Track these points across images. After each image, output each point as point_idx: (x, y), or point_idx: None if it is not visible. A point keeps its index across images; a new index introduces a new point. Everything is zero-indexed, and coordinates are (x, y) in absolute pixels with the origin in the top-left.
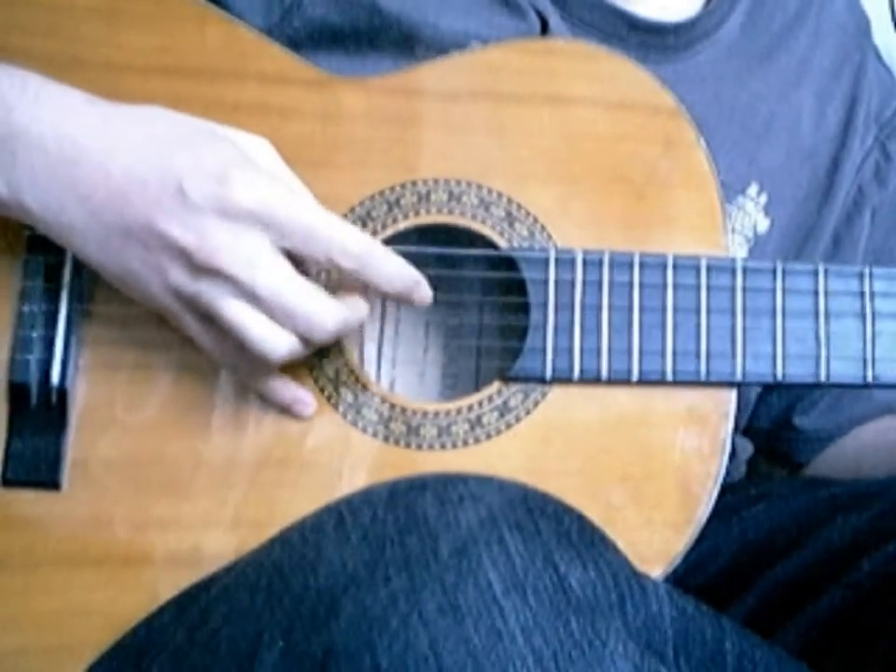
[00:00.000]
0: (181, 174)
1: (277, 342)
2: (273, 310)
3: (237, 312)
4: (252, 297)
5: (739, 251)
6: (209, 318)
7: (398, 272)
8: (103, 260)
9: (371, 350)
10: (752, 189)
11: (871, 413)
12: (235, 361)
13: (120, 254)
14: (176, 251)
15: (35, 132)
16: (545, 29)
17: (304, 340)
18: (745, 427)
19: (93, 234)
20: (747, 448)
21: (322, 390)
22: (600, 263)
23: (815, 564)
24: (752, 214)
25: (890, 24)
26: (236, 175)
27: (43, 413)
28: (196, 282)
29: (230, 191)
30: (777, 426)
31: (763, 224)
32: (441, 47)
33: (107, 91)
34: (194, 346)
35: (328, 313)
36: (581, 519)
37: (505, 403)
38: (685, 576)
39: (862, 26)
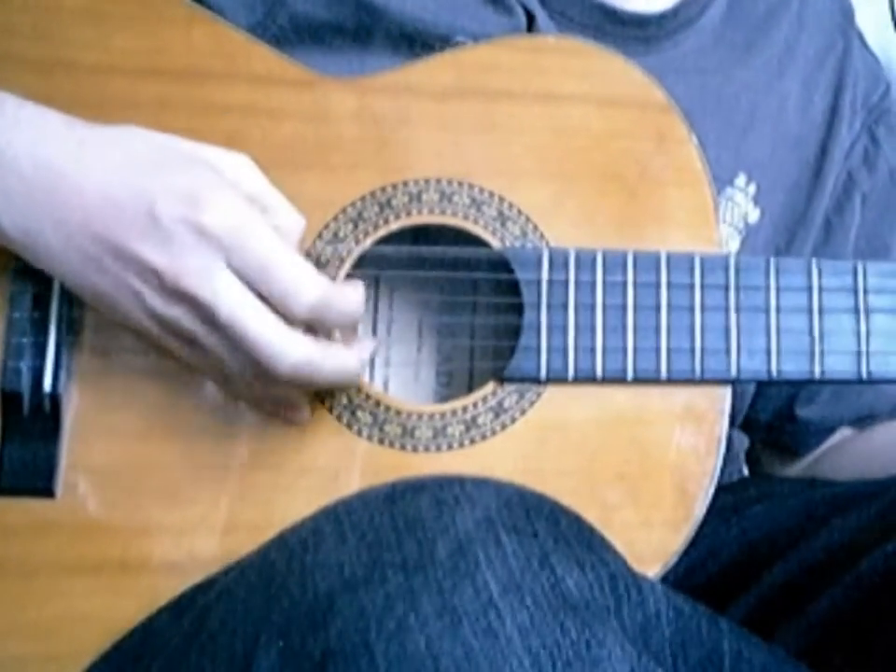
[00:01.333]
0: (153, 195)
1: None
2: (231, 338)
3: (209, 337)
4: (212, 322)
5: (731, 242)
6: (187, 339)
7: (352, 315)
8: (82, 284)
9: (366, 350)
10: (741, 180)
11: (876, 402)
12: (221, 377)
13: (98, 278)
14: (149, 273)
15: (10, 155)
16: (531, 24)
17: (263, 374)
18: (746, 421)
19: (71, 258)
20: (743, 441)
21: (316, 393)
22: (593, 262)
23: (814, 564)
24: (742, 204)
25: (890, 24)
26: (207, 198)
27: (36, 421)
28: (170, 305)
29: (199, 215)
30: (779, 417)
31: (754, 214)
32: (426, 42)
33: (95, 93)
34: None
35: (290, 346)
36: (578, 520)
37: (500, 404)
38: (685, 576)
39: (846, 12)
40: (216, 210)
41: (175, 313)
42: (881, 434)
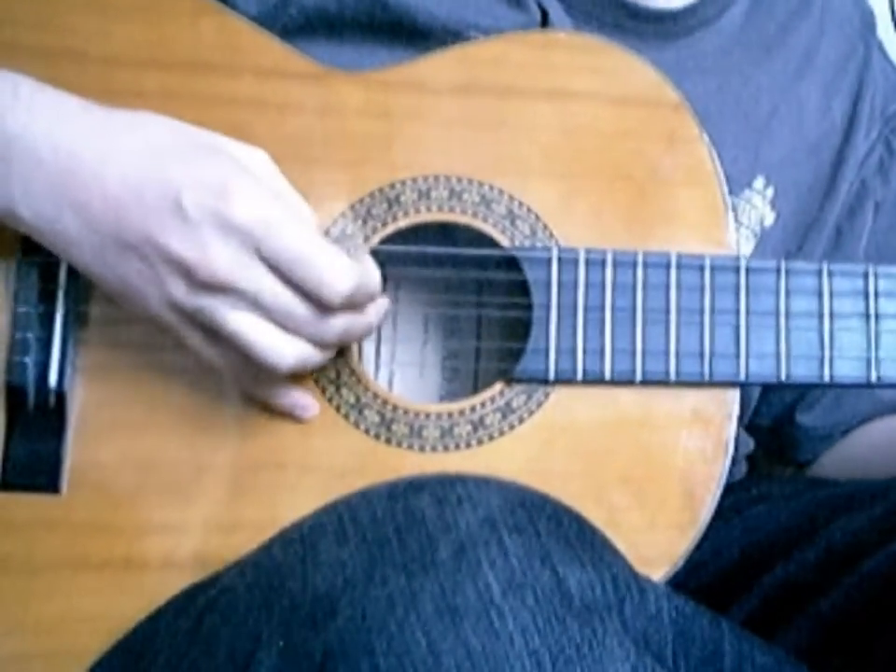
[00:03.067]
0: (179, 186)
1: (284, 350)
2: (280, 315)
3: (241, 324)
4: (257, 306)
5: (746, 245)
6: (211, 331)
7: (375, 294)
8: (99, 272)
9: (369, 350)
10: (759, 183)
11: (875, 410)
12: (238, 371)
13: (117, 265)
14: (175, 265)
15: (29, 140)
16: (545, 20)
17: (313, 345)
18: (747, 425)
19: (89, 245)
20: (748, 443)
21: (323, 391)
22: (603, 263)
23: (816, 564)
24: (759, 207)
25: (890, 24)
26: (235, 189)
27: (41, 417)
28: (197, 296)
29: (229, 206)
30: (779, 423)
31: (770, 218)
32: (437, 36)
33: (101, 84)
34: None
35: (334, 315)
36: (580, 520)
37: (508, 404)
38: (686, 577)
39: (867, 20)
40: (244, 201)
41: (199, 303)
42: (877, 431)
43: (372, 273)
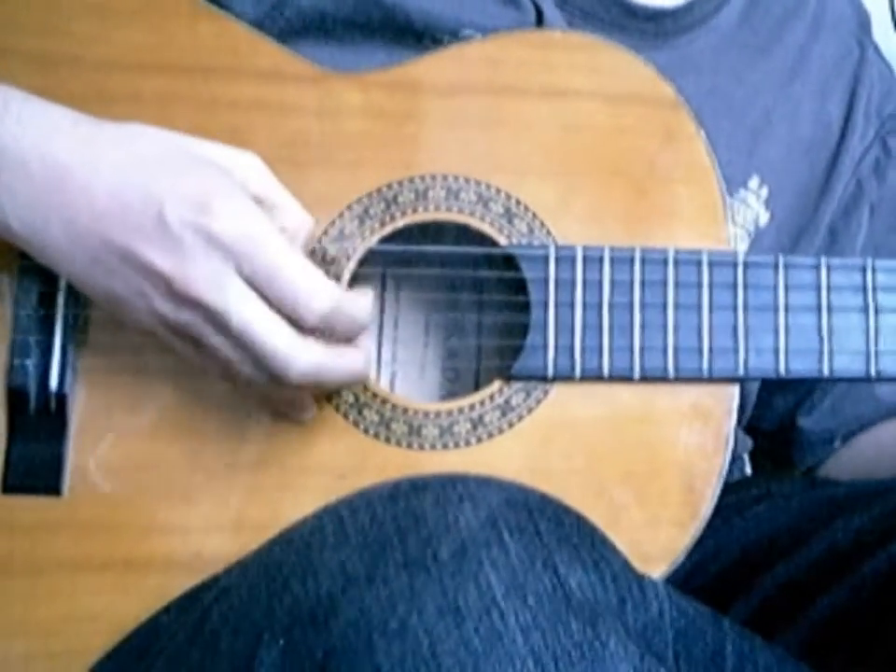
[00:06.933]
0: (162, 199)
1: (259, 376)
2: (242, 345)
3: (220, 342)
4: (224, 329)
5: (741, 245)
6: (197, 342)
7: (361, 323)
8: (89, 284)
9: (371, 351)
10: (754, 182)
11: (876, 413)
12: (228, 378)
13: (106, 278)
14: (157, 278)
15: (18, 152)
16: (540, 18)
17: (276, 379)
18: (748, 427)
19: (78, 257)
20: (746, 442)
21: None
22: (601, 260)
23: (817, 564)
24: (754, 207)
25: (890, 24)
26: (216, 203)
27: (43, 419)
28: (179, 310)
29: (211, 220)
30: (781, 427)
31: (764, 217)
32: (434, 35)
33: (100, 88)
34: None
35: (300, 352)
36: (581, 520)
37: (507, 402)
38: (687, 577)
39: (863, 21)
40: (225, 216)
41: (185, 317)
42: (884, 436)
43: (360, 302)
